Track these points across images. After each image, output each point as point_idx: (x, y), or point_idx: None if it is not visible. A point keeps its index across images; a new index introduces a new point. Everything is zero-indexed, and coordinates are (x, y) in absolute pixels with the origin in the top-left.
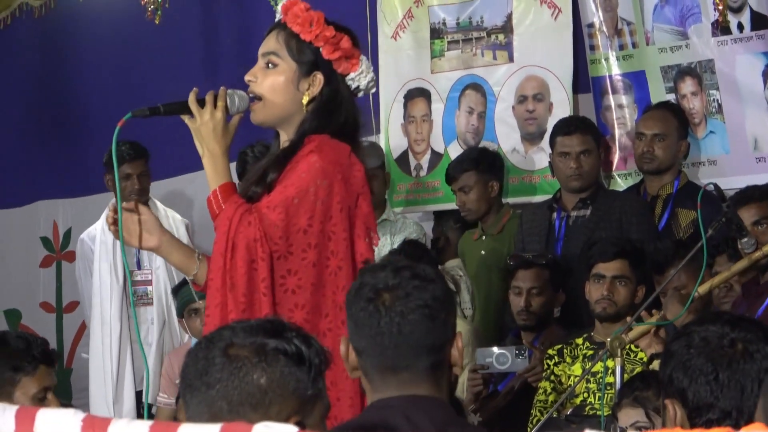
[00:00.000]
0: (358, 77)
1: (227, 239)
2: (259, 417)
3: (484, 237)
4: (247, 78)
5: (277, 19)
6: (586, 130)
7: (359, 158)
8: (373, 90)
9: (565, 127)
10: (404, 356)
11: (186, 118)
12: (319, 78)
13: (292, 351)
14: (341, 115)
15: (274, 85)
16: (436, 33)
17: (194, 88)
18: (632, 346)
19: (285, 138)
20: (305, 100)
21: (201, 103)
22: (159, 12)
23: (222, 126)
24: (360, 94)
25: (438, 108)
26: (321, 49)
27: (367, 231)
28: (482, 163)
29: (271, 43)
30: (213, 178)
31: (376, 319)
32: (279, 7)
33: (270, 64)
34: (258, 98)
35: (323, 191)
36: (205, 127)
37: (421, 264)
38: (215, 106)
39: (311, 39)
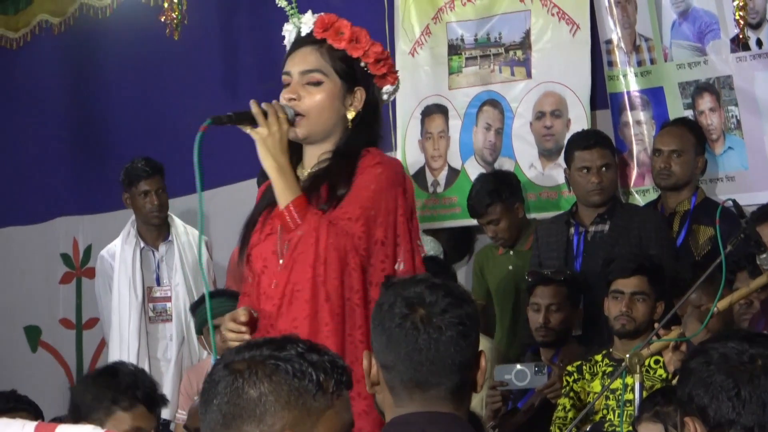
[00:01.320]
0: (394, 91)
1: (316, 250)
2: (251, 429)
3: (511, 252)
4: (287, 96)
5: (305, 33)
6: (605, 144)
7: None
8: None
9: (583, 141)
10: (437, 373)
11: (249, 129)
12: (361, 93)
13: (290, 363)
14: (380, 127)
15: (321, 102)
16: (453, 49)
17: (253, 99)
18: (651, 363)
19: (321, 151)
20: (351, 115)
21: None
22: (178, 29)
23: (286, 138)
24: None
25: (455, 124)
26: (368, 65)
27: (415, 240)
28: (504, 191)
29: (312, 59)
30: (285, 191)
31: (413, 336)
32: (301, 20)
33: (313, 82)
34: (301, 114)
35: (392, 203)
36: (272, 138)
37: (450, 282)
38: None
39: (359, 55)
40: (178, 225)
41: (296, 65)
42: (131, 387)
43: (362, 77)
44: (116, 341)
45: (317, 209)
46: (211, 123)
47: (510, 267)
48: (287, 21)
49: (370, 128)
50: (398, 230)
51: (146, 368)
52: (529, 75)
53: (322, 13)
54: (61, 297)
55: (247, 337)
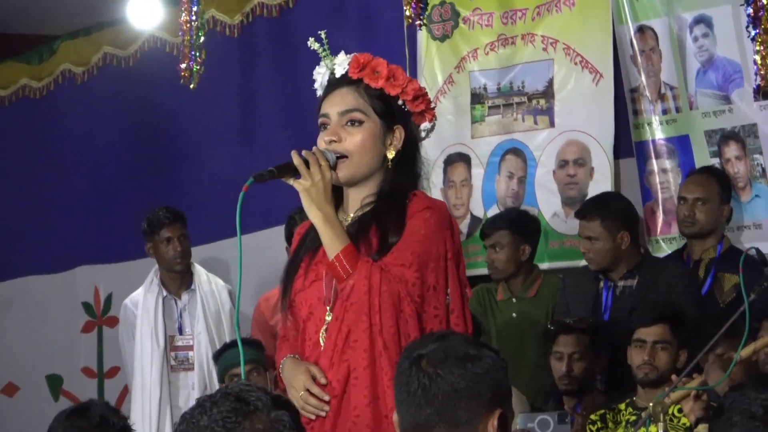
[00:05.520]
0: (431, 128)
1: (370, 299)
2: None
3: (514, 299)
4: (327, 138)
5: (339, 75)
6: (591, 217)
7: None
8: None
9: (578, 213)
10: (430, 415)
11: (292, 180)
12: (400, 131)
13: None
14: (421, 165)
15: (363, 142)
16: (476, 98)
17: (294, 150)
18: (675, 411)
19: (364, 194)
20: (391, 155)
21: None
22: (195, 78)
23: (330, 186)
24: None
25: (478, 173)
26: (405, 102)
27: (464, 285)
28: (517, 224)
29: (350, 99)
30: (333, 241)
31: (405, 380)
32: (334, 61)
33: (353, 122)
34: (344, 156)
35: (442, 247)
36: (315, 188)
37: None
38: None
39: (397, 93)
40: (201, 273)
41: (335, 106)
42: (99, 427)
43: (400, 115)
44: (138, 390)
45: (368, 257)
46: (253, 182)
47: (514, 314)
48: (307, 68)
49: (412, 168)
50: (448, 274)
51: (167, 417)
52: (552, 124)
53: (356, 53)
54: (82, 346)
55: (327, 408)
